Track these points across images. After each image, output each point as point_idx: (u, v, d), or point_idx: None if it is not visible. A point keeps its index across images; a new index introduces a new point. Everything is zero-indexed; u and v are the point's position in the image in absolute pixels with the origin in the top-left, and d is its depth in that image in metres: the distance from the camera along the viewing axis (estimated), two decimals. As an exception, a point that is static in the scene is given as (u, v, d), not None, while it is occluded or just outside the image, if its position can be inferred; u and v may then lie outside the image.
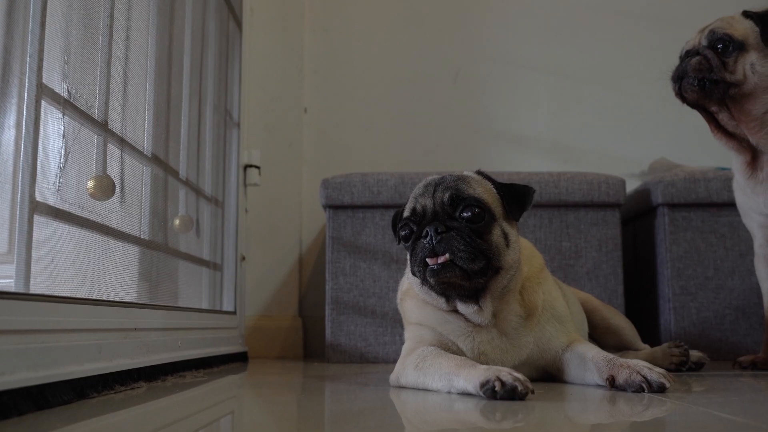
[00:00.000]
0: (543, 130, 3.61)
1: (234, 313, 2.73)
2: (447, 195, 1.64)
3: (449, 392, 1.55)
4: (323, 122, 3.62)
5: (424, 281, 1.65)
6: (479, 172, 1.75)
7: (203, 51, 2.54)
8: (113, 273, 1.77)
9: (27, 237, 1.33)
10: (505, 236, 1.65)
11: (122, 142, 1.81)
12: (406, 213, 1.71)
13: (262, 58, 3.42)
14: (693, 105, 2.08)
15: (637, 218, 3.13)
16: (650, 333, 2.89)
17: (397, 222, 1.78)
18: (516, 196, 1.69)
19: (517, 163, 3.51)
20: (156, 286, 2.05)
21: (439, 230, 1.59)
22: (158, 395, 1.53)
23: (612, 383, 1.58)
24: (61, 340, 1.33)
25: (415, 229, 1.66)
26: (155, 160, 2.03)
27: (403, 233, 1.69)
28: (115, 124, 1.75)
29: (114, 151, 1.78)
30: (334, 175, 2.96)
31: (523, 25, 3.68)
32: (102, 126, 1.67)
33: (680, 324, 2.75)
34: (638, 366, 1.56)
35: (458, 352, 1.71)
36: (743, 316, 2.76)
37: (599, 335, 2.28)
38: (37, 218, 1.36)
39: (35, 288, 1.35)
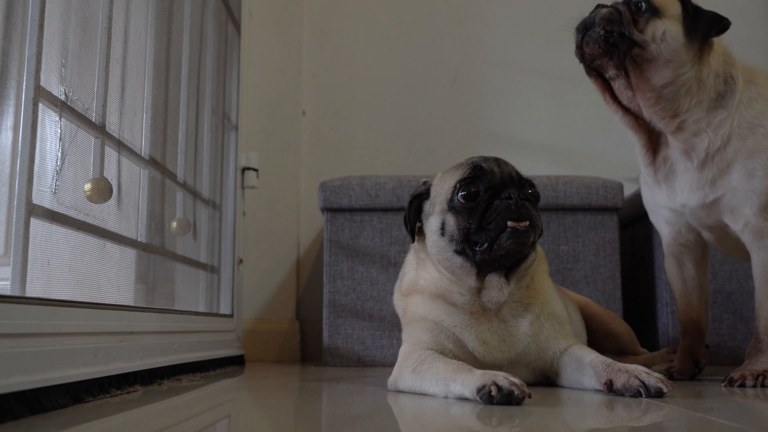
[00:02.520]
0: (541, 133, 3.61)
1: (231, 316, 2.72)
2: (514, 170, 1.74)
3: (446, 397, 1.54)
4: (321, 125, 3.62)
5: (483, 246, 1.64)
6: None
7: (201, 54, 2.54)
8: (110, 276, 1.77)
9: (23, 240, 1.32)
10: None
11: (120, 145, 1.81)
12: (467, 173, 1.70)
13: (261, 61, 3.42)
14: (590, 64, 1.92)
15: (635, 222, 3.13)
16: (648, 337, 2.89)
17: (418, 199, 1.81)
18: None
19: (515, 166, 3.51)
20: (153, 289, 2.05)
21: (522, 196, 1.66)
22: (154, 399, 1.53)
23: (610, 387, 1.57)
24: (57, 344, 1.33)
25: (482, 190, 1.67)
26: (153, 162, 2.03)
27: (463, 192, 1.68)
28: (112, 127, 1.75)
29: (111, 154, 1.77)
30: (332, 178, 2.96)
31: (521, 28, 3.68)
32: (99, 129, 1.67)
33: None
34: (636, 371, 1.56)
35: (459, 347, 1.72)
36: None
37: (598, 340, 2.28)
38: (33, 221, 1.36)
39: (31, 291, 1.34)
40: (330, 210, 2.86)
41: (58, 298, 1.42)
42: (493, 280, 1.70)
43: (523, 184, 1.72)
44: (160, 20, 2.12)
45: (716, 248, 2.19)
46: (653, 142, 1.98)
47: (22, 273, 1.32)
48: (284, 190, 3.45)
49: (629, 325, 2.51)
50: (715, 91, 1.88)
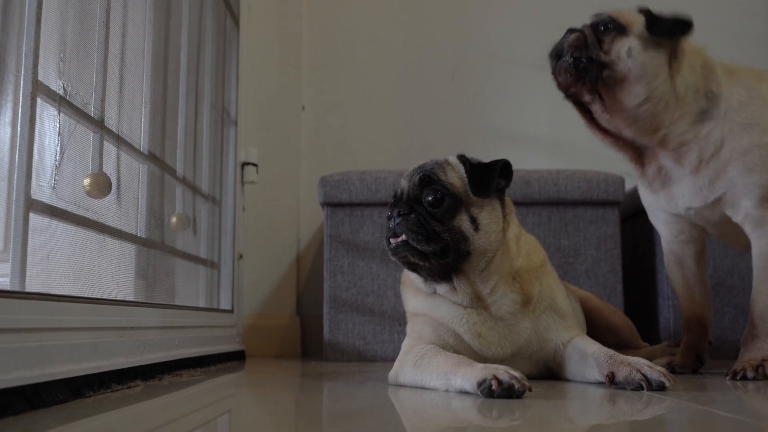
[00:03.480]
0: (542, 127, 3.60)
1: (231, 311, 2.72)
2: (417, 178, 1.72)
3: (447, 391, 1.54)
4: (321, 120, 3.61)
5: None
6: (459, 157, 1.77)
7: (200, 48, 2.53)
8: (110, 271, 1.77)
9: (22, 235, 1.32)
10: (474, 221, 1.68)
11: (118, 140, 1.80)
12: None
13: (260, 56, 3.41)
14: (566, 91, 1.94)
15: (636, 216, 3.12)
16: (650, 331, 2.89)
17: None
18: (480, 175, 1.71)
19: (516, 160, 3.47)
20: (153, 284, 2.04)
21: (401, 212, 1.69)
22: (155, 394, 1.52)
23: (611, 380, 1.57)
24: (57, 339, 1.32)
25: (392, 211, 1.75)
26: (152, 157, 2.02)
27: (387, 214, 1.76)
28: (111, 122, 1.74)
29: (110, 149, 1.77)
30: (331, 172, 2.95)
31: (522, 22, 3.67)
32: (98, 123, 1.66)
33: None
34: (639, 364, 1.56)
35: (459, 341, 1.72)
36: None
37: (599, 334, 2.28)
38: (32, 216, 1.35)
39: (31, 286, 1.34)
40: (330, 205, 2.85)
41: (58, 293, 1.42)
42: (438, 286, 1.74)
43: (422, 191, 1.70)
44: (158, 14, 2.11)
45: (721, 239, 2.19)
46: (641, 155, 1.99)
47: (21, 268, 1.31)
48: (284, 185, 3.44)
49: (630, 319, 2.51)
50: (697, 107, 1.89)
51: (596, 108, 1.92)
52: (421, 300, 1.81)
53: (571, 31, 1.92)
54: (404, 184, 1.76)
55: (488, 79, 3.64)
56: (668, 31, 1.85)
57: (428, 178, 1.71)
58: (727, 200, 1.89)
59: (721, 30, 3.53)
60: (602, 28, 1.87)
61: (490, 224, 1.70)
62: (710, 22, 3.54)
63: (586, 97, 1.91)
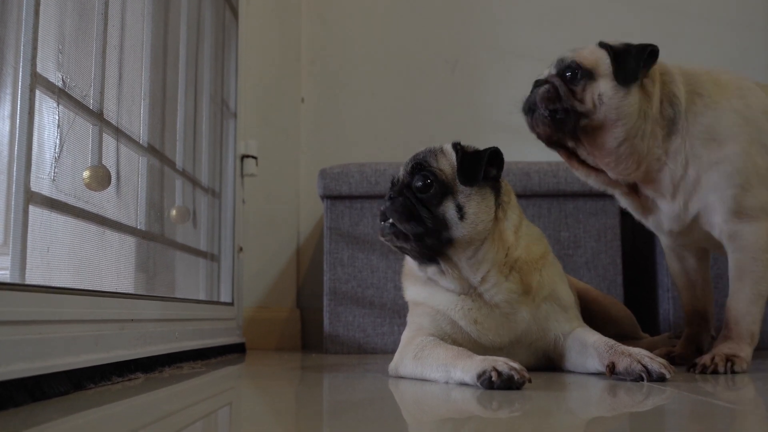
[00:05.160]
0: (541, 120, 3.59)
1: (231, 304, 2.72)
2: (410, 165, 1.77)
3: (447, 382, 1.55)
4: (320, 112, 3.60)
5: None
6: (454, 145, 1.78)
7: (199, 40, 2.52)
8: (110, 264, 1.77)
9: (22, 227, 1.32)
10: (460, 209, 1.69)
11: (118, 132, 1.80)
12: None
13: (259, 48, 3.40)
14: (548, 141, 1.95)
15: (635, 208, 3.12)
16: (650, 323, 2.89)
17: None
18: (468, 162, 1.72)
19: (516, 153, 3.48)
20: (153, 277, 2.04)
21: (391, 196, 1.74)
22: (155, 386, 1.53)
23: (612, 370, 1.57)
24: (58, 331, 1.32)
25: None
26: (151, 150, 2.02)
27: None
28: (110, 114, 1.74)
29: (110, 141, 1.76)
30: (331, 165, 2.95)
31: (522, 14, 3.66)
32: (97, 116, 1.66)
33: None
34: (639, 355, 1.56)
35: (456, 329, 1.73)
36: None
37: (599, 325, 2.27)
38: (32, 209, 1.35)
39: (31, 279, 1.34)
40: (330, 197, 2.85)
41: (58, 285, 1.42)
42: (428, 268, 1.76)
43: (412, 178, 1.74)
44: (157, 6, 2.10)
45: (713, 252, 2.21)
46: (632, 187, 2.00)
47: (21, 260, 1.31)
48: (284, 177, 3.44)
49: (630, 310, 2.51)
50: (663, 118, 1.88)
51: (582, 152, 1.94)
52: (419, 289, 1.83)
53: (538, 83, 1.93)
54: (401, 170, 1.80)
55: (488, 71, 3.63)
56: (635, 74, 1.83)
57: (420, 165, 1.74)
58: (702, 218, 1.91)
59: (721, 23, 3.52)
60: (570, 74, 1.87)
61: (478, 213, 1.70)
62: (710, 19, 3.54)
63: (569, 144, 1.93)
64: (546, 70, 1.96)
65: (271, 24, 3.49)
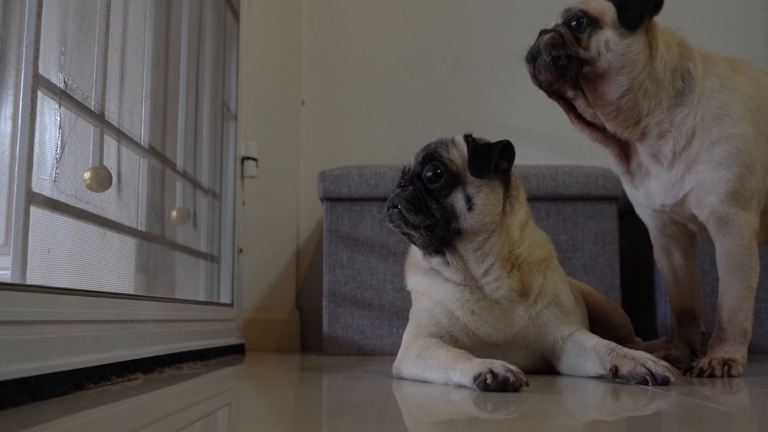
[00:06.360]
0: (541, 122, 3.60)
1: (231, 305, 2.73)
2: (422, 155, 1.79)
3: (446, 384, 1.55)
4: (321, 114, 3.61)
5: None
6: (466, 137, 1.80)
7: (200, 42, 2.53)
8: (110, 264, 1.77)
9: (23, 228, 1.32)
10: (469, 200, 1.71)
11: (119, 134, 1.80)
12: None
13: (260, 50, 3.41)
14: (548, 89, 1.94)
15: (633, 211, 3.12)
16: (647, 326, 2.90)
17: None
18: (480, 154, 1.73)
19: (515, 155, 3.50)
20: (153, 277, 2.05)
21: (401, 184, 1.78)
22: (155, 387, 1.53)
23: (615, 373, 1.57)
24: (58, 332, 1.33)
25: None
26: (152, 151, 2.03)
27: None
28: (111, 116, 1.75)
29: (111, 143, 1.77)
30: (331, 167, 2.95)
31: (521, 16, 3.67)
32: (99, 117, 1.67)
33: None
34: (642, 358, 1.55)
35: (453, 321, 1.74)
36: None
37: (597, 329, 2.28)
38: (33, 209, 1.36)
39: (32, 279, 1.35)
40: (329, 199, 2.86)
41: (59, 286, 1.43)
42: (433, 258, 1.77)
43: (423, 168, 1.76)
44: (159, 8, 2.11)
45: (700, 237, 2.19)
46: (626, 150, 1.99)
47: (22, 261, 1.32)
48: (284, 179, 3.44)
49: (627, 314, 2.52)
50: (673, 89, 1.87)
51: (580, 103, 1.92)
52: (419, 278, 1.85)
53: (544, 32, 1.92)
54: (411, 161, 1.82)
55: (488, 73, 3.64)
56: (640, 18, 1.84)
57: (431, 155, 1.76)
58: (693, 196, 1.88)
59: (719, 25, 3.53)
60: (575, 23, 1.86)
61: (486, 205, 1.71)
62: (708, 22, 3.55)
63: (570, 93, 1.92)
64: (552, 21, 1.96)
65: (272, 26, 3.50)
